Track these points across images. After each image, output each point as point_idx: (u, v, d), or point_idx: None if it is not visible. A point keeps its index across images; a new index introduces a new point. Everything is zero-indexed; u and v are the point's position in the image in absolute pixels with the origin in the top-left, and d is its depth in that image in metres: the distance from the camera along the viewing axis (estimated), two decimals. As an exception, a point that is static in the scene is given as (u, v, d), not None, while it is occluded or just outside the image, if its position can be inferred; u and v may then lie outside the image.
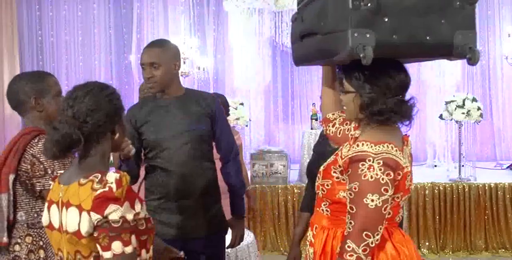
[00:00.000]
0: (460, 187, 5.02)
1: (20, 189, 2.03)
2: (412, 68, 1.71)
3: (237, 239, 2.54)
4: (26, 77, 2.14)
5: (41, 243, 2.01)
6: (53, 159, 1.63)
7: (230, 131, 2.55)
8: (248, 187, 3.79)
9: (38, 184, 1.99)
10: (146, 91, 3.48)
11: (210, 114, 2.42)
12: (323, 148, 2.45)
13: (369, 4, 1.50)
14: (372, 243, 1.56)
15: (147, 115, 2.40)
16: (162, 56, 2.32)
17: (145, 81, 2.36)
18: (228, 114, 3.87)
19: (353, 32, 1.50)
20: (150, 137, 2.38)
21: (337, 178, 1.71)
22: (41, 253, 2.01)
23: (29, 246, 2.00)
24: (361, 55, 1.48)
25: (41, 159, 1.96)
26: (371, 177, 1.55)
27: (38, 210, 2.04)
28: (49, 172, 1.96)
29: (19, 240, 2.02)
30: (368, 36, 1.50)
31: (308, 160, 5.42)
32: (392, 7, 1.54)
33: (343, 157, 1.69)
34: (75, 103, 1.50)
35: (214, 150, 2.52)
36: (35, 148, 1.98)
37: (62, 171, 1.86)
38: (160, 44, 2.39)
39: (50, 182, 1.92)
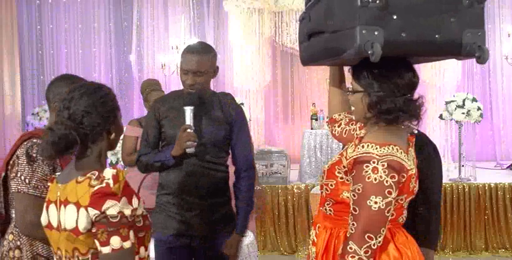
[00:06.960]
0: (460, 187, 5.02)
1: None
2: (412, 67, 1.72)
3: (229, 256, 2.47)
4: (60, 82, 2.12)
5: (18, 243, 2.02)
6: (49, 159, 1.68)
7: (248, 142, 2.51)
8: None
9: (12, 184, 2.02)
10: (149, 90, 3.54)
11: (229, 121, 2.42)
12: None
13: (377, 1, 1.49)
14: (374, 245, 1.56)
15: (167, 111, 2.42)
16: (209, 64, 2.35)
17: (186, 86, 2.35)
18: None
19: (361, 29, 1.49)
20: (168, 131, 2.41)
21: (341, 178, 1.71)
22: (17, 253, 2.02)
23: (10, 244, 2.03)
24: (369, 52, 1.47)
25: (19, 161, 1.98)
26: (375, 179, 1.55)
27: None
28: (18, 175, 1.97)
29: (6, 236, 2.06)
30: (376, 33, 1.49)
31: (308, 160, 5.48)
32: (400, 5, 1.53)
33: (347, 157, 1.69)
34: (70, 105, 1.52)
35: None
36: (21, 149, 2.01)
37: (27, 180, 1.91)
38: (207, 51, 2.39)
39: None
